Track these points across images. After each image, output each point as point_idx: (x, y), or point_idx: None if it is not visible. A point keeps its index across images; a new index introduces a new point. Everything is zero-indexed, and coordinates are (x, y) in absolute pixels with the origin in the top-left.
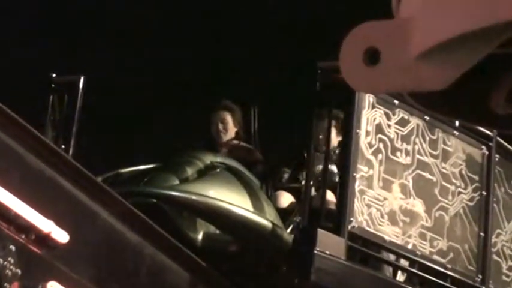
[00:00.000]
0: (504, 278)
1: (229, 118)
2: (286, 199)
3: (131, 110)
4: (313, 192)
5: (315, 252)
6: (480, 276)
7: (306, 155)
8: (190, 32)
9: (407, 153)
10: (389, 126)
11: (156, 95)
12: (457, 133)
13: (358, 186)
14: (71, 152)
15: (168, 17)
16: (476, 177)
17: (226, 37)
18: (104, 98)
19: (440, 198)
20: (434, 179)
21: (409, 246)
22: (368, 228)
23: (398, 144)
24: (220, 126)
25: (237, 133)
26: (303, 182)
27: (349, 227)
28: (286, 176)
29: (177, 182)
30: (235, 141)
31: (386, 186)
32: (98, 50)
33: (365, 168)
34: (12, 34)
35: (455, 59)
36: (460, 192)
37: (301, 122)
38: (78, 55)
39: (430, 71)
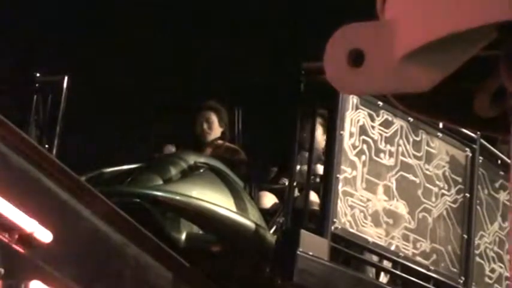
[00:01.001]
0: (487, 279)
1: (214, 118)
2: (269, 200)
3: (114, 110)
4: (296, 193)
5: (298, 253)
6: (463, 278)
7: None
8: (174, 31)
9: (390, 154)
10: (373, 127)
11: (139, 96)
12: (440, 135)
13: (341, 187)
14: (54, 151)
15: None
16: (459, 179)
17: (208, 36)
18: (88, 98)
19: (423, 199)
20: (417, 180)
21: (392, 248)
22: (351, 230)
23: (382, 146)
24: (205, 126)
25: (222, 133)
26: (287, 183)
27: (333, 228)
28: (270, 176)
29: (160, 182)
30: (220, 141)
31: (370, 187)
32: (82, 49)
33: (348, 170)
34: None
35: (440, 60)
36: (443, 194)
37: (285, 123)
38: (62, 55)
39: (414, 72)
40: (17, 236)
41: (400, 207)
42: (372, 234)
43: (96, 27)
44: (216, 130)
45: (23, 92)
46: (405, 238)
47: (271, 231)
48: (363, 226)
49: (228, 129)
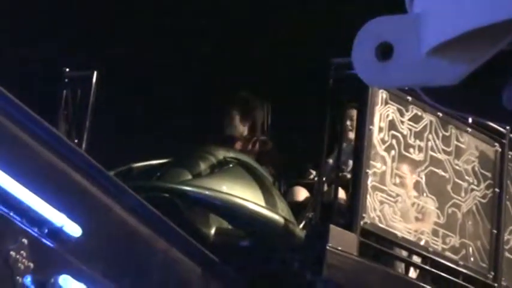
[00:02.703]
0: None
1: (245, 112)
2: (301, 194)
3: (144, 105)
4: (326, 187)
5: (327, 248)
6: (492, 273)
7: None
8: (208, 25)
9: (420, 149)
10: (402, 122)
11: (168, 89)
12: (470, 130)
13: (371, 182)
14: (84, 146)
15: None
16: (489, 174)
17: (241, 34)
18: (118, 93)
19: (453, 195)
20: (447, 175)
21: (422, 243)
22: (380, 225)
23: (411, 141)
24: (237, 119)
25: (252, 127)
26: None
27: (362, 223)
28: (301, 171)
29: (189, 177)
30: (250, 135)
31: (400, 182)
32: (112, 45)
33: (378, 165)
34: (26, 28)
35: (468, 54)
36: (472, 189)
37: (316, 118)
38: (92, 50)
39: (442, 66)
40: (46, 231)
41: (430, 202)
42: (401, 229)
43: (122, 22)
44: (245, 125)
45: (52, 87)
46: (434, 233)
47: (301, 226)
48: (392, 221)
49: (259, 124)
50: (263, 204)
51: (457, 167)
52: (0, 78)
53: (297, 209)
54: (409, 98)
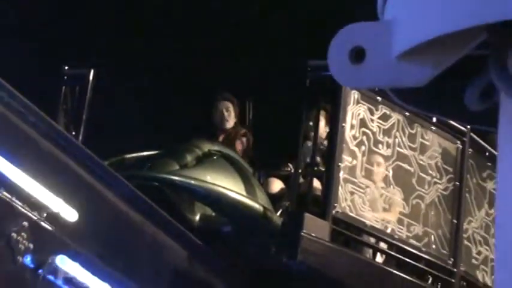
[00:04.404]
0: (474, 261)
1: (231, 108)
2: (277, 185)
3: (136, 102)
4: (301, 179)
5: (302, 234)
6: (452, 259)
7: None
8: (191, 25)
9: (388, 145)
10: (372, 120)
11: (157, 86)
12: (434, 128)
13: (342, 175)
14: (80, 138)
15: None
16: (450, 169)
17: (231, 37)
18: (112, 89)
19: (417, 187)
20: (412, 169)
21: (388, 231)
22: (351, 213)
23: (380, 137)
24: (226, 114)
25: (235, 123)
26: (292, 170)
27: (334, 212)
28: (277, 164)
29: (177, 167)
30: (233, 129)
31: (368, 175)
32: (109, 42)
33: (349, 159)
34: (29, 27)
35: (434, 58)
36: (435, 183)
37: (292, 116)
38: (89, 48)
39: (410, 69)
40: (45, 215)
41: (396, 193)
42: (370, 218)
43: (120, 20)
44: (232, 119)
45: (52, 83)
46: (400, 222)
47: (278, 214)
48: (362, 210)
49: (239, 120)
50: (244, 193)
51: (422, 162)
52: (4, 74)
53: (274, 198)
54: (379, 98)
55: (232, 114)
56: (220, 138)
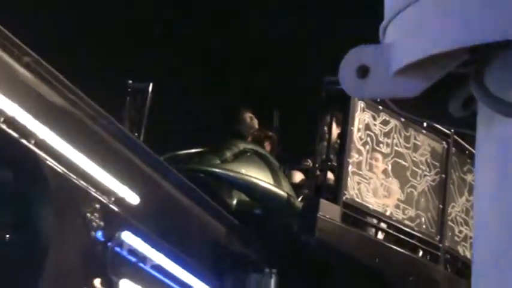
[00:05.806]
0: (456, 238)
1: (253, 116)
2: (298, 176)
3: (186, 112)
4: (318, 172)
5: (318, 216)
6: (439, 237)
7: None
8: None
9: (387, 145)
10: (375, 125)
11: (202, 98)
12: (424, 131)
13: (351, 168)
14: (141, 138)
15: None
16: (437, 164)
17: (258, 56)
18: (168, 100)
19: (411, 179)
20: (407, 164)
21: (387, 213)
22: (357, 199)
23: (381, 139)
24: (253, 121)
25: (260, 126)
26: (311, 164)
27: (344, 198)
28: (299, 159)
29: (218, 162)
30: (259, 132)
31: (371, 169)
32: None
33: (356, 155)
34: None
35: (425, 74)
36: (425, 175)
37: (310, 121)
38: (149, 65)
39: (406, 82)
40: (113, 199)
41: (394, 183)
42: (373, 203)
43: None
44: (256, 124)
45: (119, 94)
46: (397, 207)
47: (299, 199)
48: (366, 197)
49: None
50: (272, 182)
51: (415, 159)
52: (83, 87)
53: (296, 187)
54: (380, 106)
55: (255, 120)
56: (249, 138)
